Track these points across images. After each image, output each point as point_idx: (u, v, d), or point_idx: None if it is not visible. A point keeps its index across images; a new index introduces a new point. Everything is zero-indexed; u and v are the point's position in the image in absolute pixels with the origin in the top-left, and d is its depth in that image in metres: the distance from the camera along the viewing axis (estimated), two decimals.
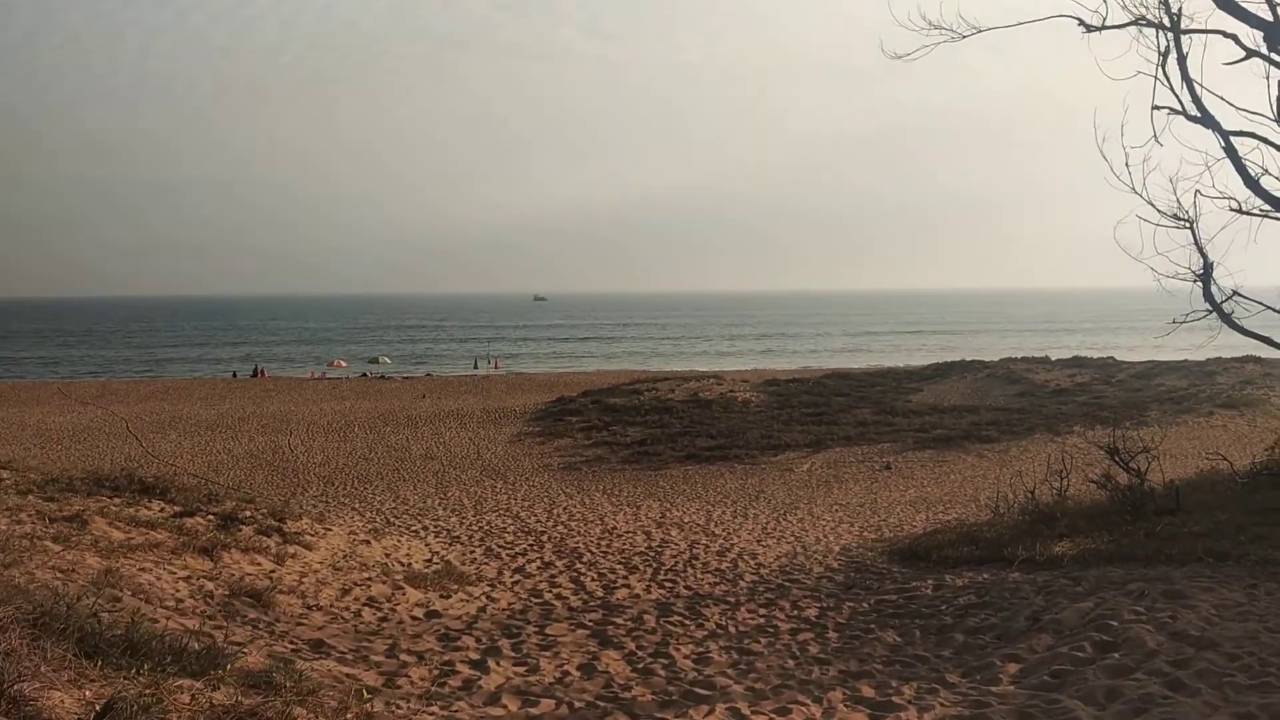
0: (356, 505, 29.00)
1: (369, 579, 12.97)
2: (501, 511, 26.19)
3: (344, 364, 75.33)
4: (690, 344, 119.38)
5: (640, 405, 47.07)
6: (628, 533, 21.31)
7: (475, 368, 79.96)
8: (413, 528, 22.86)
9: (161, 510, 14.98)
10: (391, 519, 25.12)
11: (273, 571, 12.29)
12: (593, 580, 14.53)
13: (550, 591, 13.53)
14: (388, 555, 16.73)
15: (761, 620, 11.38)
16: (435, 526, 23.05)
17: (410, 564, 16.03)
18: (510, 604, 12.34)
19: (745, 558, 17.12)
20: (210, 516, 15.21)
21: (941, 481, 32.18)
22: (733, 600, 12.48)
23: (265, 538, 14.99)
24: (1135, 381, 49.09)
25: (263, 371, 73.02)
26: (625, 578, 14.77)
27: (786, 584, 13.88)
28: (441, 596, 12.64)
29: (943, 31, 10.62)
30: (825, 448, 38.16)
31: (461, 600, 12.41)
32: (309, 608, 10.84)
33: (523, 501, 28.89)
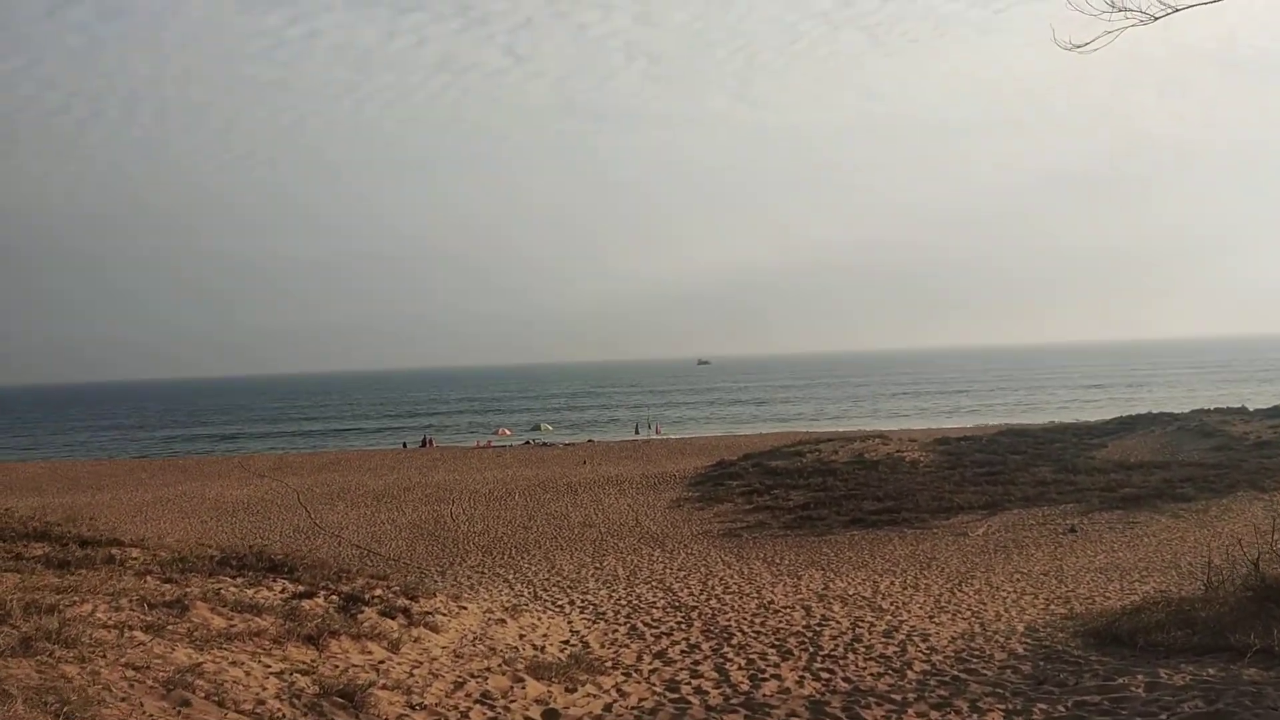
0: (510, 576, 27.94)
1: (489, 669, 11.55)
2: (654, 583, 24.60)
3: (508, 432, 75.48)
4: (854, 404, 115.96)
5: (803, 468, 45.02)
6: (785, 608, 19.42)
7: (636, 433, 79.02)
8: (559, 601, 21.51)
9: (283, 591, 13.96)
10: (541, 591, 23.85)
11: (382, 662, 10.99)
12: (739, 669, 12.77)
13: (689, 684, 11.84)
14: (522, 636, 15.34)
15: None
16: (583, 600, 21.62)
17: (544, 647, 14.59)
18: (641, 700, 10.71)
19: (915, 639, 15.05)
20: (333, 597, 14.12)
21: (1134, 546, 29.10)
22: (899, 699, 10.52)
23: (389, 620, 13.78)
24: None
25: (431, 442, 73.72)
26: (776, 665, 12.96)
27: (963, 675, 11.82)
28: (566, 690, 11.11)
29: (1129, 14, 8.75)
30: (1002, 509, 35.35)
31: (588, 695, 10.86)
32: (411, 707, 9.46)
33: (678, 572, 27.25)
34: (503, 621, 16.15)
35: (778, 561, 29.23)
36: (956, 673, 12.04)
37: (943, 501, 36.46)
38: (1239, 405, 54.20)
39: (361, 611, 13.66)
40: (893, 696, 10.56)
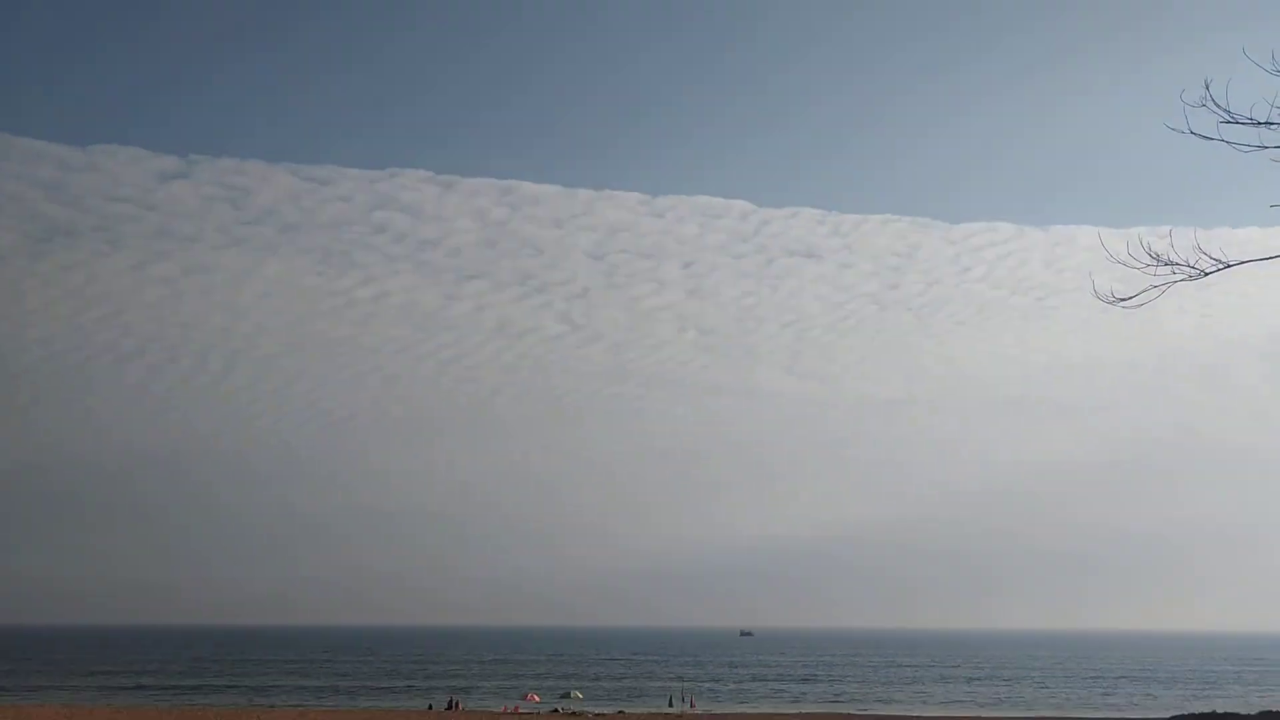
0: None
1: None
2: None
3: (537, 698, 72.11)
4: (903, 685, 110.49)
5: None
6: None
7: (670, 705, 75.14)
8: None
9: None
10: None
11: None
12: None
13: None
14: None
15: None
16: None
17: None
18: None
19: None
20: None
21: None
22: None
23: None
24: None
25: (458, 705, 70.47)
26: None
27: None
28: None
29: (1176, 268, 8.23)
30: None
31: None
32: None
33: None
34: None
35: None
36: None
37: None
38: None
39: None
40: None
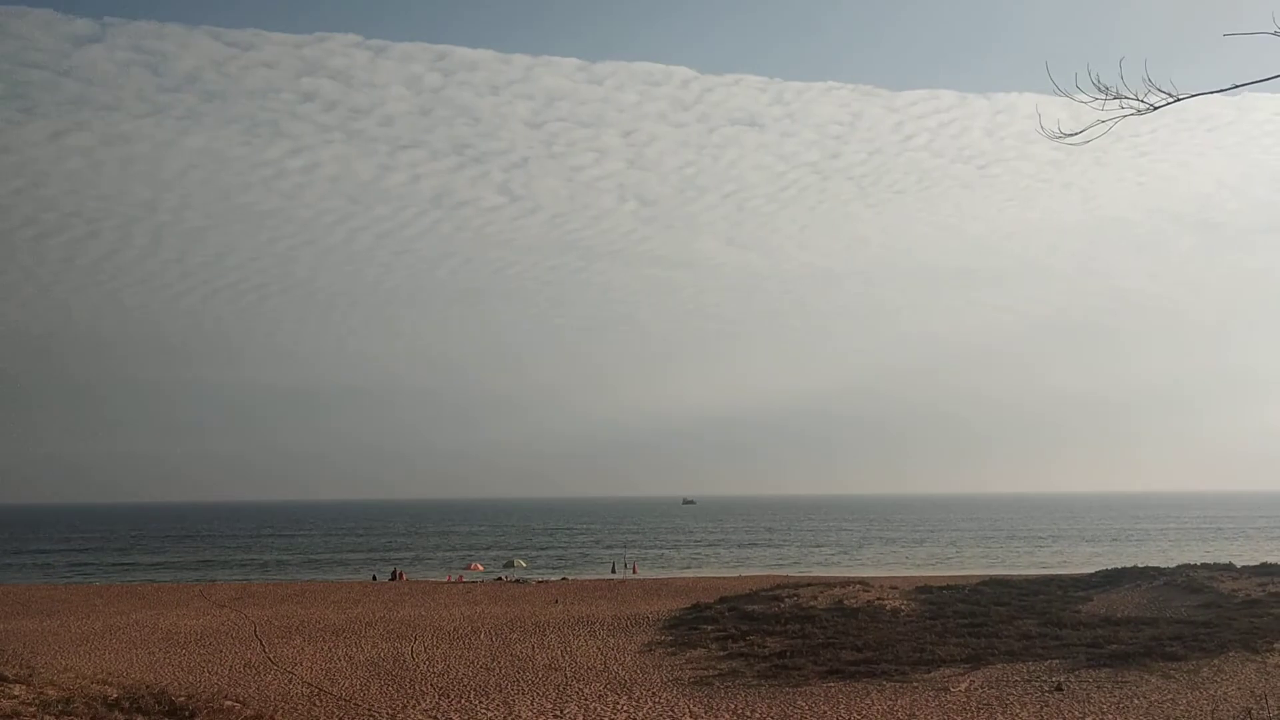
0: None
1: None
2: None
3: (480, 567, 72.66)
4: (838, 550, 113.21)
5: (780, 613, 42.82)
6: None
7: (613, 571, 76.30)
8: None
9: None
10: None
11: None
12: None
13: None
14: None
15: None
16: None
17: None
18: None
19: None
20: None
21: (1124, 708, 27.05)
22: None
23: None
24: None
25: (401, 575, 71.00)
26: None
27: None
28: None
29: (1124, 102, 7.52)
30: (985, 664, 33.19)
31: None
32: None
33: None
34: None
35: (747, 715, 27.06)
36: None
37: (924, 653, 34.30)
38: (1226, 562, 52.41)
39: None
40: None
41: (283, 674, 35.26)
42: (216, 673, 35.66)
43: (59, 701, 12.86)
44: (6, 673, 13.90)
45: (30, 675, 14.02)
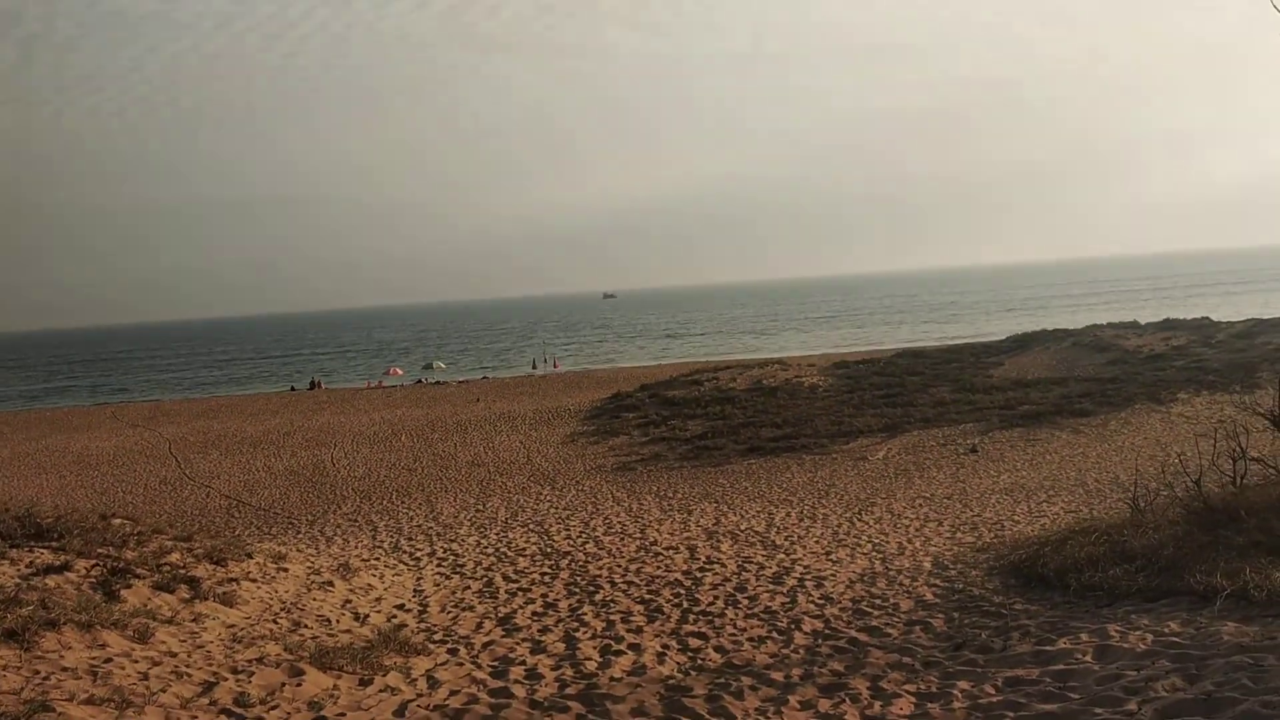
0: (382, 523, 25.14)
1: (263, 657, 8.78)
2: (532, 526, 21.98)
3: (399, 372, 71.66)
4: (757, 337, 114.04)
5: (700, 397, 42.62)
6: (668, 549, 16.95)
7: (533, 368, 75.81)
8: (420, 552, 18.79)
9: (28, 565, 10.99)
10: (405, 540, 21.09)
11: (109, 660, 8.15)
12: (591, 638, 10.20)
13: (524, 663, 9.23)
14: (347, 602, 12.59)
15: None
16: (445, 550, 18.93)
17: (367, 616, 11.88)
18: (452, 694, 8.03)
19: (808, 585, 12.63)
20: (98, 569, 11.20)
21: (1037, 464, 27.30)
22: (780, 679, 7.95)
23: (165, 595, 10.92)
24: (1237, 342, 43.40)
25: (319, 384, 69.79)
26: (639, 631, 10.42)
27: (862, 637, 9.36)
28: (359, 683, 8.41)
29: None
30: (902, 432, 33.41)
31: (381, 693, 8.16)
32: None
33: (563, 511, 24.64)
34: (329, 585, 13.37)
35: (670, 495, 26.82)
36: (854, 633, 9.57)
37: (842, 426, 34.40)
38: (1130, 320, 53.26)
39: (129, 586, 10.76)
40: (772, 675, 7.96)
41: (200, 488, 34.38)
42: (131, 491, 34.67)
43: None
44: None
45: None
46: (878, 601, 11.12)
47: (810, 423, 35.30)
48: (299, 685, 8.10)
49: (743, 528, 19.70)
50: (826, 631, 9.79)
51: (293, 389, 70.42)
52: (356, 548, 20.32)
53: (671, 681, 7.90)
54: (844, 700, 7.16)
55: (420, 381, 68.08)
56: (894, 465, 28.59)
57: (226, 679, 8.06)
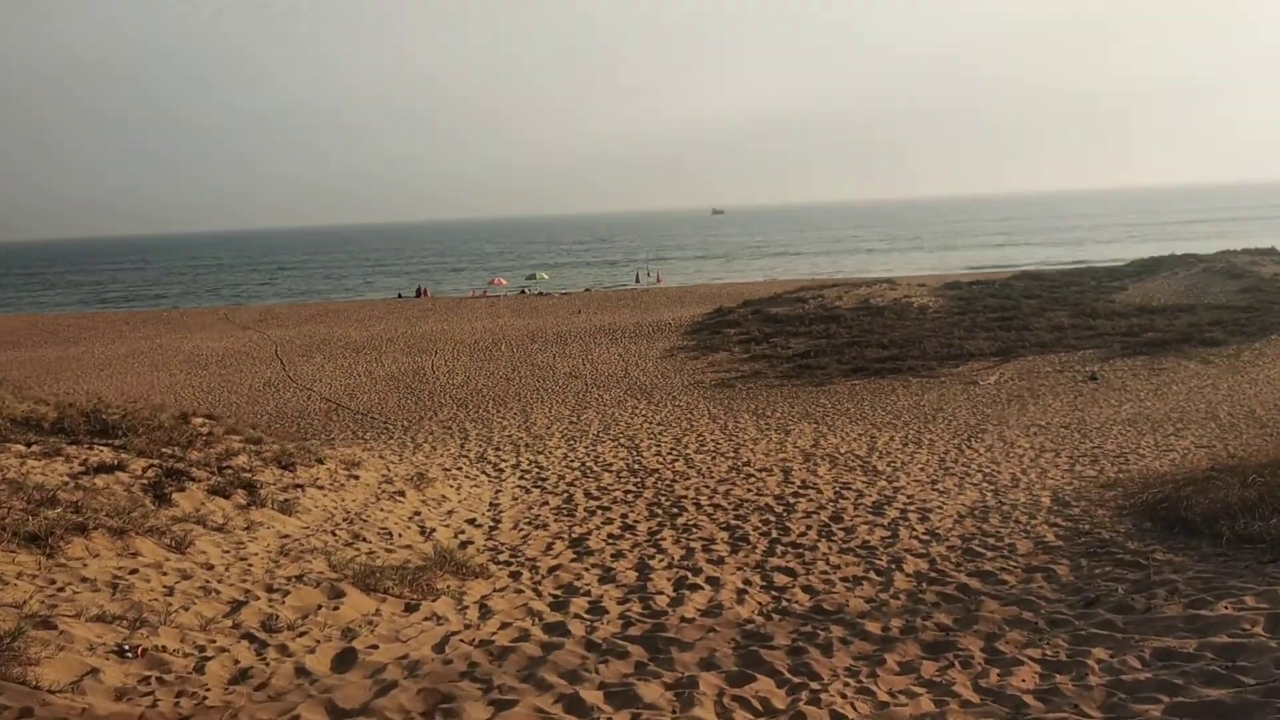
0: (474, 431, 24.52)
1: (303, 575, 7.95)
2: (623, 440, 21.04)
3: (504, 282, 71.15)
4: (869, 256, 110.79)
5: (804, 314, 41.06)
6: (762, 471, 15.82)
7: (636, 281, 74.70)
8: (504, 464, 18.02)
9: (83, 462, 10.37)
10: (493, 450, 20.38)
11: (134, 572, 7.38)
12: (666, 568, 9.15)
13: (589, 593, 8.25)
14: (415, 515, 11.78)
15: (928, 695, 5.59)
16: (531, 462, 18.11)
17: (433, 530, 11.05)
18: (496, 631, 7.05)
19: (911, 517, 11.38)
20: (154, 469, 10.54)
21: (1163, 394, 25.29)
22: (878, 629, 6.77)
23: (219, 500, 10.20)
24: None
25: (426, 292, 69.80)
26: (720, 562, 9.34)
27: (973, 584, 8.12)
28: (405, 608, 7.52)
29: None
30: (1016, 356, 31.52)
31: (425, 621, 7.25)
32: (120, 651, 5.87)
33: (656, 426, 23.65)
34: (400, 495, 12.59)
35: (767, 414, 25.60)
36: (964, 577, 8.32)
37: (952, 348, 32.63)
38: (1269, 246, 49.71)
39: (183, 489, 10.06)
40: (867, 626, 6.78)
41: (300, 391, 34.33)
42: (235, 392, 34.82)
43: None
44: None
45: None
46: (990, 541, 9.84)
47: (918, 344, 33.59)
48: (336, 609, 7.23)
49: (842, 451, 18.47)
50: (932, 574, 8.57)
51: (400, 296, 70.65)
52: (442, 456, 19.68)
53: (749, 627, 6.80)
54: (953, 664, 5.96)
55: (524, 292, 67.56)
56: (1006, 391, 26.87)
57: (259, 598, 7.23)
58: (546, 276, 73.81)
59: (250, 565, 8.24)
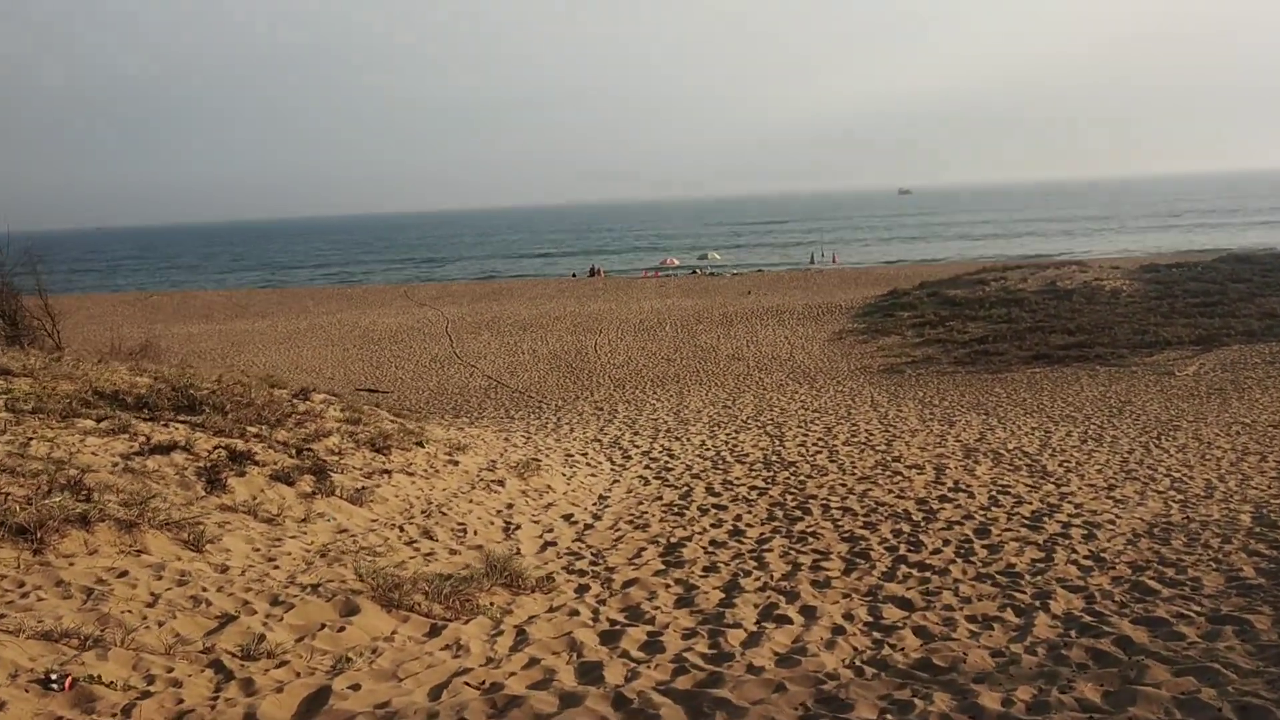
0: (626, 411, 23.42)
1: (318, 585, 6.76)
2: (769, 428, 19.41)
3: (675, 261, 69.94)
4: (1060, 238, 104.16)
5: (985, 298, 38.17)
6: (912, 467, 13.95)
7: (811, 262, 72.16)
8: (635, 450, 16.72)
9: (145, 441, 9.54)
10: (631, 434, 19.13)
11: (122, 575, 6.33)
12: (760, 589, 7.59)
13: (648, 622, 6.78)
14: (507, 507, 10.56)
15: None
16: (663, 449, 16.74)
17: (519, 526, 9.79)
18: (516, 672, 5.64)
19: (1074, 534, 9.40)
20: (219, 450, 9.64)
21: None
22: (997, 702, 4.99)
23: (284, 486, 9.21)
24: None
25: (599, 271, 69.38)
26: (826, 584, 7.70)
27: (1139, 636, 6.22)
28: (428, 631, 6.24)
29: None
30: (1218, 345, 28.14)
31: (442, 650, 5.94)
32: (46, 682, 4.79)
33: (813, 413, 21.90)
34: (498, 484, 11.39)
35: (935, 403, 23.43)
36: (1127, 626, 6.42)
37: (1146, 335, 29.45)
38: None
39: (243, 474, 9.11)
40: (981, 698, 4.99)
41: (465, 367, 34.05)
42: (402, 367, 34.89)
43: (50, 395, 10.50)
44: (17, 366, 11.68)
45: (33, 370, 11.68)
46: (1169, 573, 7.83)
47: (1108, 330, 30.53)
48: (342, 630, 6.00)
49: (1010, 446, 16.33)
50: (1086, 618, 6.69)
51: (574, 275, 70.43)
52: (577, 439, 18.54)
53: (828, 686, 5.17)
54: None
55: (695, 271, 66.20)
56: (1206, 383, 23.80)
57: (255, 613, 6.07)
58: (719, 256, 72.20)
59: (277, 567, 7.14)
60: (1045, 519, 10.24)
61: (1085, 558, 8.53)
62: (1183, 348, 28.07)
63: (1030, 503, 11.15)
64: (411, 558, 7.95)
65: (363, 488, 9.77)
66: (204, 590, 6.28)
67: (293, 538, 7.98)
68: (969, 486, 12.27)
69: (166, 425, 10.18)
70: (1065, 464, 14.43)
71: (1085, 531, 9.60)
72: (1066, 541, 9.16)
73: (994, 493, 11.84)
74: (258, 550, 7.45)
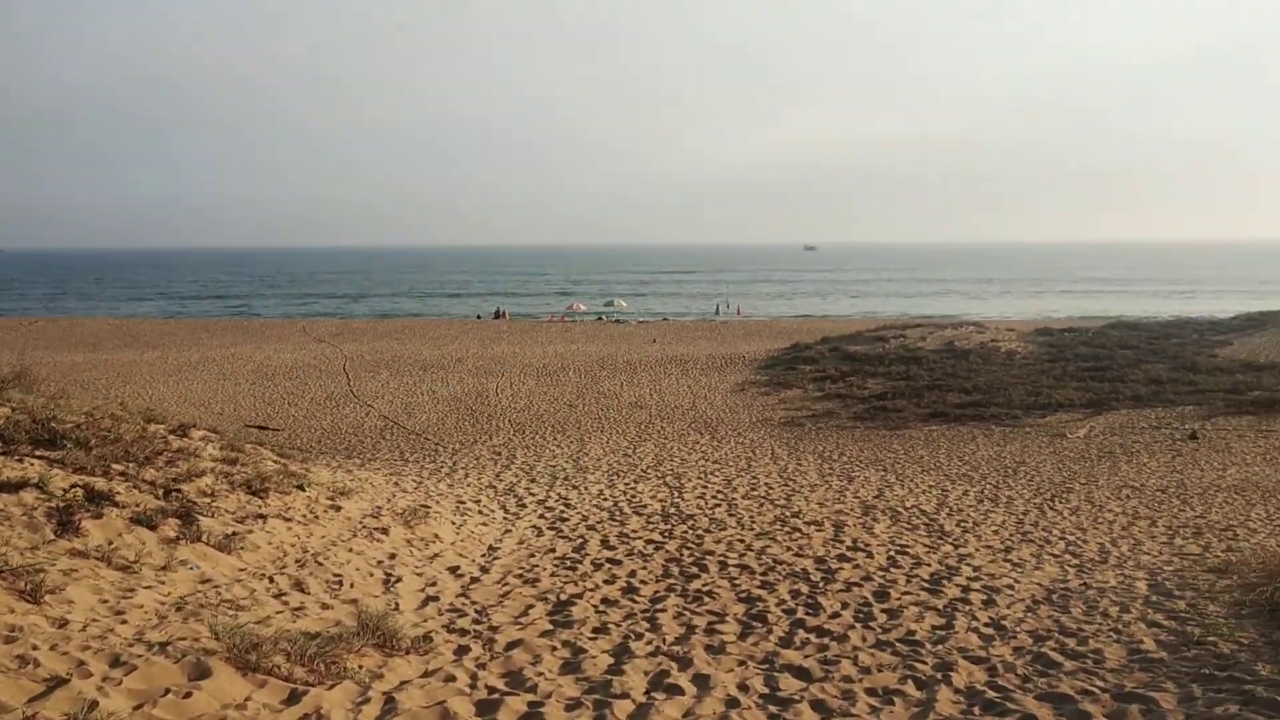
0: (524, 457, 22.82)
1: (167, 644, 6.12)
2: (669, 479, 19.05)
3: (582, 307, 69.65)
4: (962, 298, 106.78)
5: (884, 354, 38.61)
6: (811, 524, 13.70)
7: (716, 313, 72.60)
8: (532, 498, 16.19)
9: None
10: (527, 480, 18.58)
11: None
12: (651, 654, 7.15)
13: (529, 690, 6.29)
14: (391, 557, 9.95)
15: None
16: (560, 498, 16.25)
17: (398, 580, 9.20)
18: None
19: (974, 599, 9.18)
20: (74, 490, 8.89)
21: (1273, 459, 22.37)
22: None
23: (145, 530, 8.50)
24: None
25: (504, 314, 68.74)
26: (720, 650, 7.29)
27: (1043, 714, 5.95)
28: (285, 698, 5.64)
29: None
30: (1108, 409, 28.73)
31: (300, 719, 5.39)
32: None
33: (713, 464, 21.62)
34: (381, 532, 10.77)
35: (834, 457, 23.35)
36: (1031, 704, 6.12)
37: (1039, 397, 29.95)
38: None
39: (100, 517, 8.37)
40: None
41: (361, 407, 33.04)
42: (295, 405, 33.71)
43: None
44: None
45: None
46: (1070, 644, 7.61)
47: (1003, 391, 30.98)
48: (188, 696, 5.39)
49: (908, 504, 16.22)
50: (989, 693, 6.40)
51: (478, 317, 69.60)
52: (470, 485, 17.92)
53: None
54: None
55: (600, 318, 65.97)
56: (1097, 446, 24.20)
57: (91, 675, 5.43)
58: (625, 304, 72.13)
59: (124, 622, 6.47)
60: (944, 581, 10.02)
61: (986, 624, 8.29)
62: (1074, 410, 28.58)
63: (929, 564, 10.94)
64: (279, 612, 7.33)
65: (233, 533, 9.09)
66: (34, 649, 5.60)
67: (148, 588, 7.30)
68: (867, 545, 12.03)
69: (21, 460, 9.37)
70: (962, 524, 14.34)
71: (985, 596, 9.39)
72: (967, 607, 8.92)
73: (892, 552, 11.61)
74: (105, 602, 6.77)
